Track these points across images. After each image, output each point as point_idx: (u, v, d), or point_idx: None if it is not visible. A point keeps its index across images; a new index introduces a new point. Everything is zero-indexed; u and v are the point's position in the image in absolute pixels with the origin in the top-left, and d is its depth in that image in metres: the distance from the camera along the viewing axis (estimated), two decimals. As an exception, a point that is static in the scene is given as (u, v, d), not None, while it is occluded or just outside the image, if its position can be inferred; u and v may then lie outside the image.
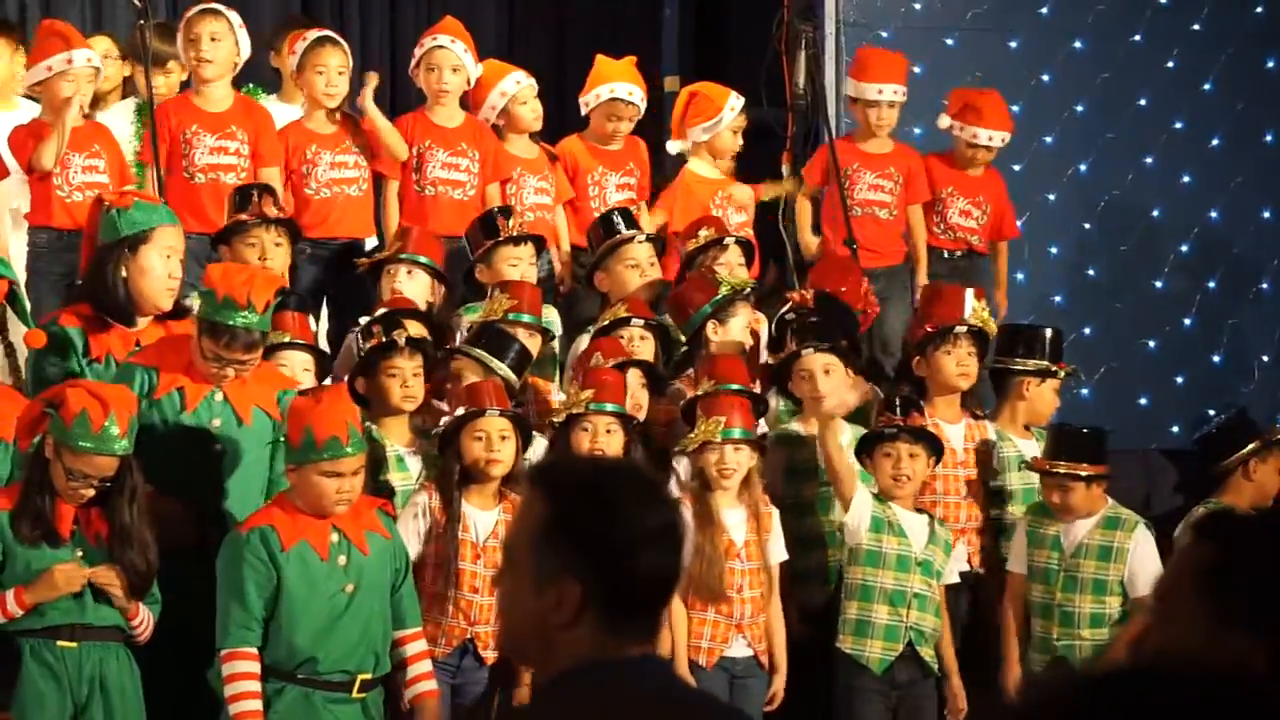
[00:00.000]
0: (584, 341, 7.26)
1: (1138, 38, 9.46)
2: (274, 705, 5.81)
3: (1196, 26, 9.52)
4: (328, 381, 6.84)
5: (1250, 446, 7.84)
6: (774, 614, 6.68)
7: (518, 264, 7.39)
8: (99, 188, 7.35)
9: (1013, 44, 9.34)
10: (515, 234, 7.40)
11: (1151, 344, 9.40)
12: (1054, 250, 9.35)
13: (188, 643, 5.94)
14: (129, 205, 6.46)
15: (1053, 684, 2.10)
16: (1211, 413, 8.87)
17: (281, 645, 5.82)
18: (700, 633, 6.56)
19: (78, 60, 7.55)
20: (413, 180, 7.97)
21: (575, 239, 8.14)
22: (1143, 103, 9.45)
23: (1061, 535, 6.94)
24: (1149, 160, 9.44)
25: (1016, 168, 8.99)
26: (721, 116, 8.31)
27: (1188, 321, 9.47)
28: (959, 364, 7.30)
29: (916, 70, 8.82)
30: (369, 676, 5.93)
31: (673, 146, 8.52)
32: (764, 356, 7.48)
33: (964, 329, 7.29)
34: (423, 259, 7.31)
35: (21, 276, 7.07)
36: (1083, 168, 9.36)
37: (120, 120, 8.15)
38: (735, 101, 8.35)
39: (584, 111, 8.37)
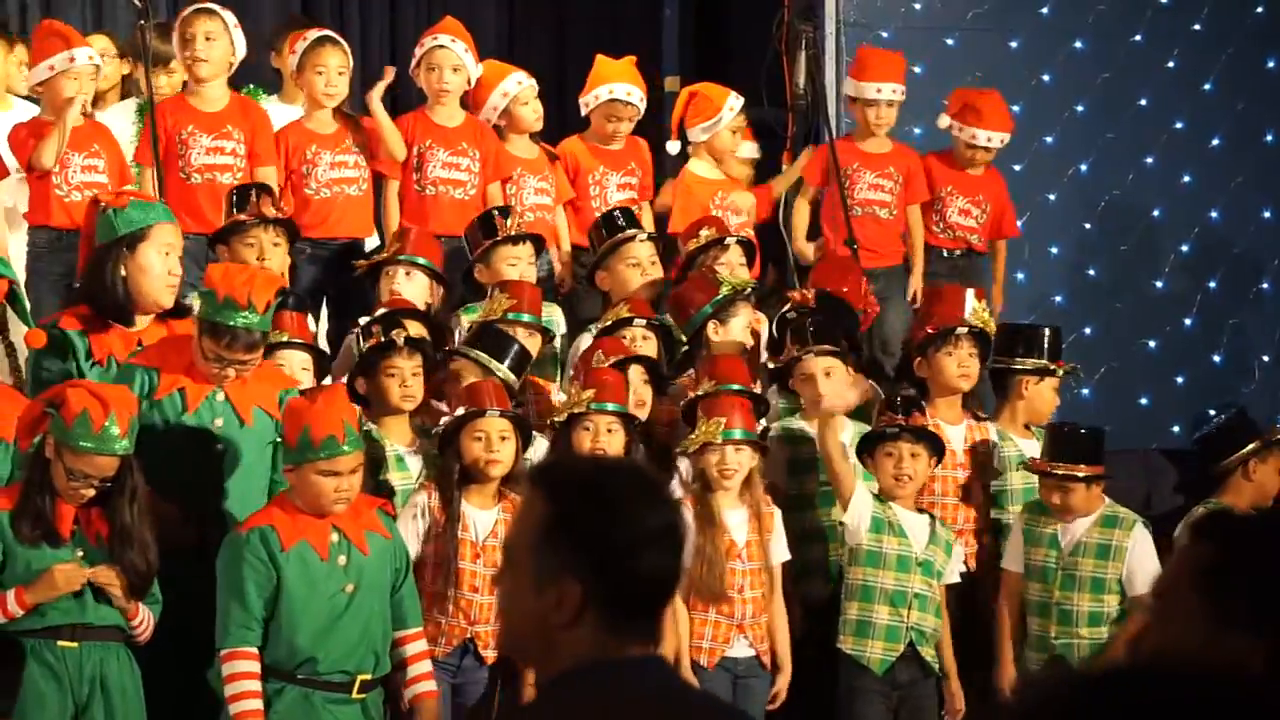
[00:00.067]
0: (585, 341, 7.26)
1: (1138, 38, 9.46)
2: (273, 705, 5.81)
3: (1197, 26, 9.52)
4: (327, 381, 6.84)
5: (1250, 446, 7.85)
6: (777, 613, 6.68)
7: (516, 263, 7.39)
8: (98, 187, 7.35)
9: (1013, 44, 9.33)
10: (513, 233, 7.40)
11: (1152, 344, 9.39)
12: (1054, 250, 9.35)
13: (188, 643, 5.94)
14: (125, 205, 6.46)
15: (1050, 683, 2.10)
16: (1212, 413, 8.87)
17: (281, 645, 5.82)
18: (702, 633, 6.56)
19: (80, 58, 7.56)
20: (413, 180, 7.97)
21: (576, 239, 8.15)
22: (1143, 103, 9.44)
23: (1059, 534, 6.94)
24: (1149, 160, 9.44)
25: (1017, 168, 8.99)
26: (720, 116, 8.32)
27: (1188, 321, 9.47)
28: (960, 365, 7.30)
29: (917, 70, 8.82)
30: (369, 677, 5.93)
31: (672, 147, 8.52)
32: (764, 356, 7.48)
33: (965, 330, 7.29)
34: (421, 260, 7.31)
35: (21, 276, 7.07)
36: (1083, 168, 9.36)
37: (122, 120, 8.16)
38: (734, 101, 8.36)
39: (584, 112, 8.37)
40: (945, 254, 8.49)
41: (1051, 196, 9.27)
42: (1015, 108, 8.77)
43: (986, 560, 7.19)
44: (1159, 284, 9.47)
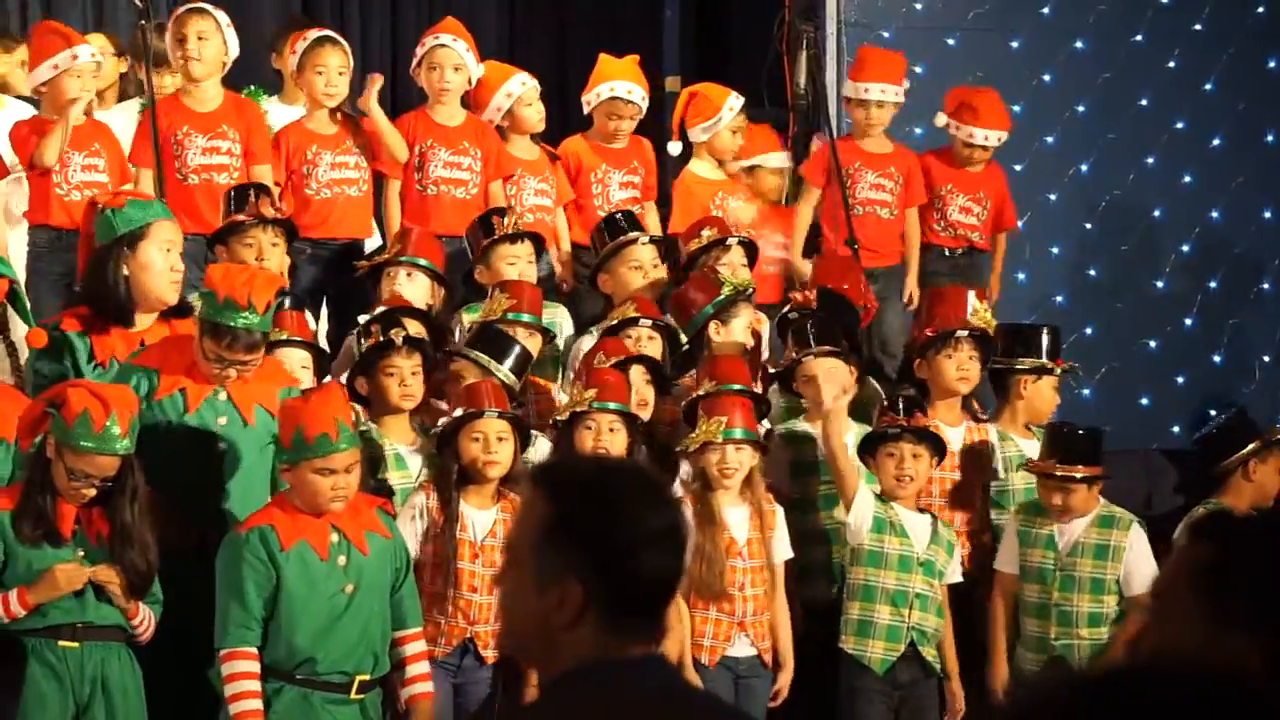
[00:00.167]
0: (587, 341, 7.27)
1: (1139, 38, 9.46)
2: (273, 705, 5.81)
3: (1198, 26, 9.51)
4: (327, 380, 6.85)
5: (1250, 447, 7.85)
6: (779, 611, 6.69)
7: (515, 262, 7.39)
8: (98, 187, 7.36)
9: (1014, 44, 9.33)
10: (511, 231, 7.40)
11: (1152, 344, 9.39)
12: (1055, 250, 9.34)
13: (189, 643, 5.94)
14: (123, 204, 6.46)
15: (1049, 684, 2.10)
16: (1212, 413, 8.87)
17: (281, 645, 5.82)
18: (703, 631, 6.56)
19: (82, 56, 7.57)
20: (415, 179, 7.97)
21: (578, 238, 8.15)
22: (1144, 103, 9.44)
23: (1056, 535, 6.94)
24: (1150, 160, 9.43)
25: (1018, 168, 8.99)
26: (720, 116, 8.32)
27: (1188, 321, 9.46)
28: (959, 368, 7.30)
29: (918, 70, 8.82)
30: (367, 677, 5.93)
31: (674, 148, 8.52)
32: (765, 356, 7.48)
33: (965, 333, 7.29)
34: (422, 261, 7.31)
35: (21, 276, 7.07)
36: (1084, 168, 9.36)
37: (125, 121, 8.15)
38: (734, 101, 8.36)
39: (586, 110, 8.38)
40: (947, 253, 8.49)
41: (1052, 196, 9.27)
42: (1016, 108, 8.77)
43: (987, 561, 7.18)
44: (1159, 284, 9.47)
